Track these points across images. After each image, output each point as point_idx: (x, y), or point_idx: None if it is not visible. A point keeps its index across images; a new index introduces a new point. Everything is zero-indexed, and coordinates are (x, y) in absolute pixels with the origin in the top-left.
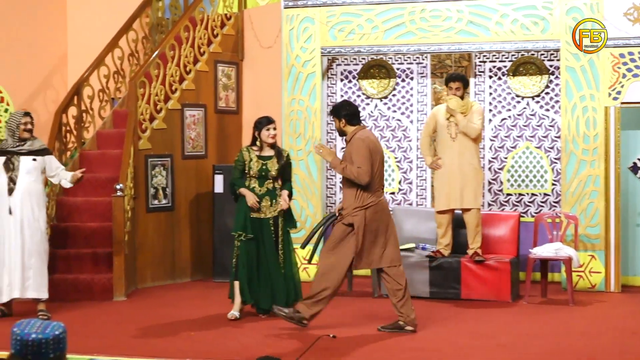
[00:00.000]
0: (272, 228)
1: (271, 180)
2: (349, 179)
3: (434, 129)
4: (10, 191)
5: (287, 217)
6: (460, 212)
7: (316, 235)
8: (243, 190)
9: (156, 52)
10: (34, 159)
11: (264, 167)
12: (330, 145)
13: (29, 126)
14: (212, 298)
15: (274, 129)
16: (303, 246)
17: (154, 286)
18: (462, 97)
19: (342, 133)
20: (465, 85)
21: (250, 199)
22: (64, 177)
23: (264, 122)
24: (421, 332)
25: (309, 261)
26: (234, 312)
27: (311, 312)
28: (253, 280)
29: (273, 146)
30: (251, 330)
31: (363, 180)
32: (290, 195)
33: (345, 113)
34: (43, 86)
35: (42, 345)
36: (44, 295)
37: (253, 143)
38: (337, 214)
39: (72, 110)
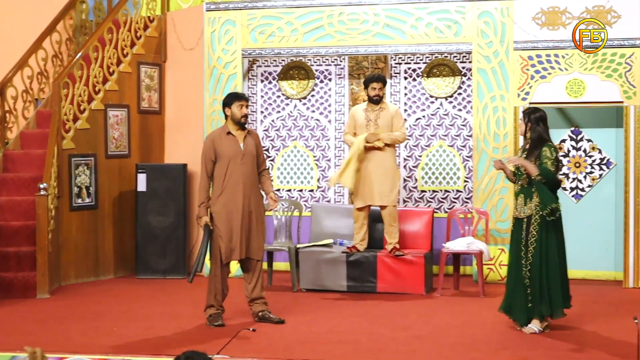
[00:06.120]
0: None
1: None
2: None
3: (355, 128)
4: None
5: None
6: (377, 208)
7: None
8: None
9: (80, 54)
10: None
11: None
12: None
13: None
14: (135, 294)
15: None
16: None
17: (77, 283)
18: (382, 97)
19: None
20: (385, 85)
21: None
22: None
23: None
24: (339, 325)
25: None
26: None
27: None
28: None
29: None
30: (174, 325)
31: None
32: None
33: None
34: None
35: None
36: None
37: None
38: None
39: None
